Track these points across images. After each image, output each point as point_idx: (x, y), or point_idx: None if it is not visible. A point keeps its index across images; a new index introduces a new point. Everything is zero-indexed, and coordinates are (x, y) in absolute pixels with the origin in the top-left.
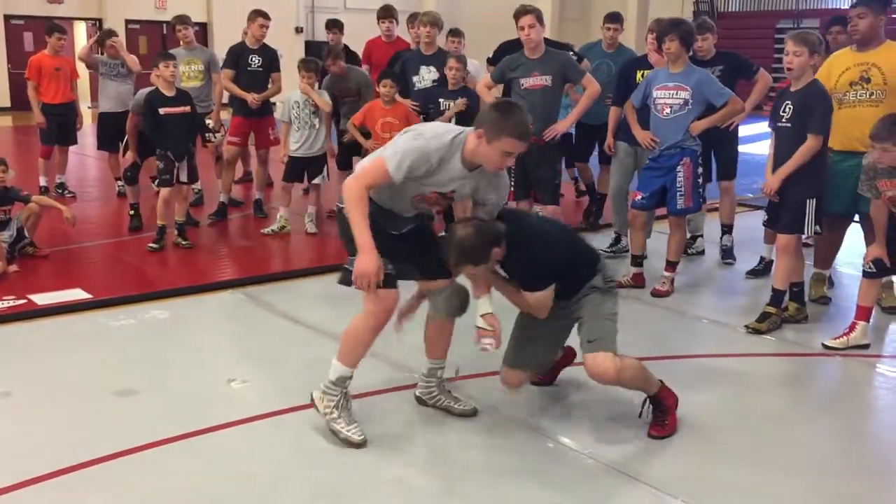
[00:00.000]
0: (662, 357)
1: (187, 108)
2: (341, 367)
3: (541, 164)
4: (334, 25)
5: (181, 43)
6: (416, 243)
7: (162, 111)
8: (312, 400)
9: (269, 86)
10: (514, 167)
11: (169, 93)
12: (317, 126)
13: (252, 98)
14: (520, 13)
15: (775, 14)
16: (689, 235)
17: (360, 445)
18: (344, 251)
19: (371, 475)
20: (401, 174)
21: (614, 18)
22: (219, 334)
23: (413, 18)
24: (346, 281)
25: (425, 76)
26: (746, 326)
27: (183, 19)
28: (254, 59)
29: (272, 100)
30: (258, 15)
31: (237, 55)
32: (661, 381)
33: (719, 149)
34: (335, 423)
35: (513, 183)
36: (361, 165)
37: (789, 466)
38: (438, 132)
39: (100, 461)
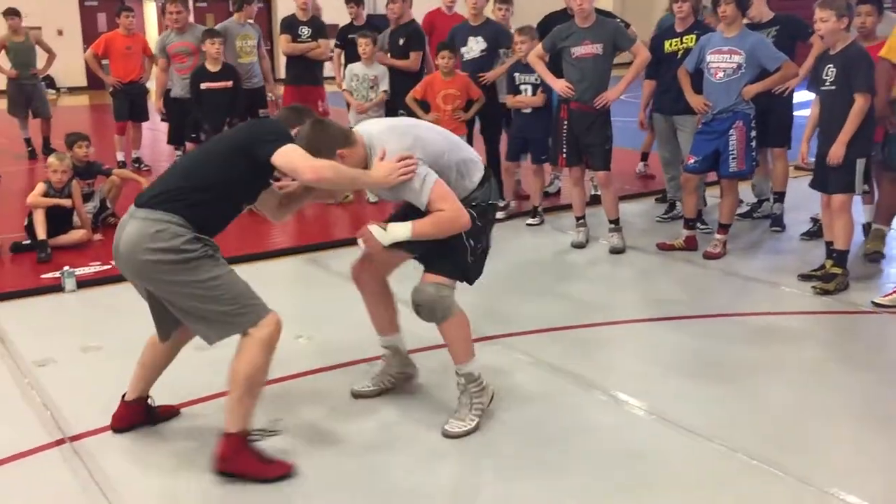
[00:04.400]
0: (710, 315)
1: (228, 83)
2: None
3: (591, 131)
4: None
5: (236, 18)
6: None
7: (203, 86)
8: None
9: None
10: (566, 134)
11: (213, 68)
12: (372, 98)
13: (308, 48)
14: None
15: None
16: (755, 200)
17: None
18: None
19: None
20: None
21: None
22: (286, 296)
23: None
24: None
25: (473, 47)
26: (813, 287)
27: None
28: (303, 30)
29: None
30: None
31: (290, 25)
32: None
33: (771, 115)
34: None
35: (565, 149)
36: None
37: (829, 414)
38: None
39: (186, 405)
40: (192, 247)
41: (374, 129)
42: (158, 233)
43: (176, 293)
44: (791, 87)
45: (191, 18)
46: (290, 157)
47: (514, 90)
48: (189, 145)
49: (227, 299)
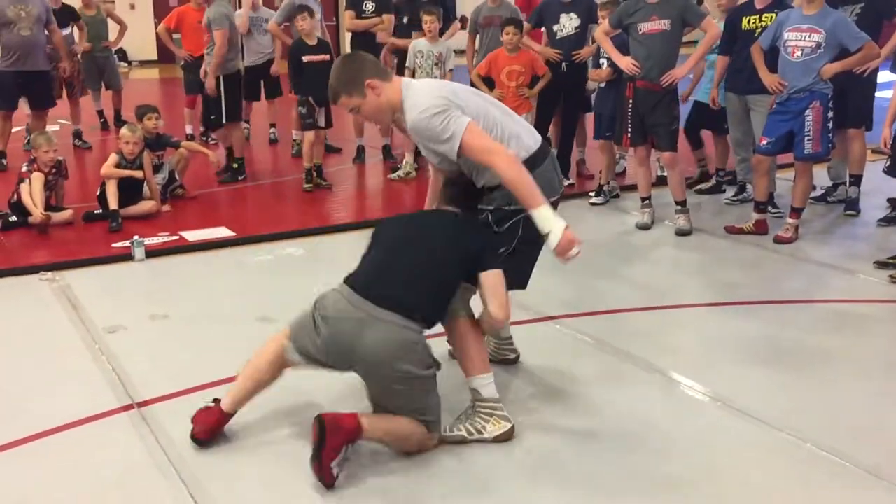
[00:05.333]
0: (779, 301)
1: (326, 57)
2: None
3: (657, 110)
4: None
5: None
6: None
7: (305, 59)
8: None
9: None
10: (631, 112)
11: (310, 42)
12: (437, 77)
13: (372, 24)
14: None
15: None
16: (830, 183)
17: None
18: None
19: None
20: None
21: None
22: (347, 269)
23: None
24: None
25: (566, 24)
26: (891, 276)
27: None
28: (368, 5)
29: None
30: None
31: (354, 2)
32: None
33: (850, 94)
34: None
35: (630, 129)
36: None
37: None
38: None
39: None
40: (434, 360)
41: (415, 81)
42: (415, 345)
43: (395, 392)
44: (872, 67)
45: None
46: (493, 282)
47: (596, 64)
48: None
49: (429, 408)
